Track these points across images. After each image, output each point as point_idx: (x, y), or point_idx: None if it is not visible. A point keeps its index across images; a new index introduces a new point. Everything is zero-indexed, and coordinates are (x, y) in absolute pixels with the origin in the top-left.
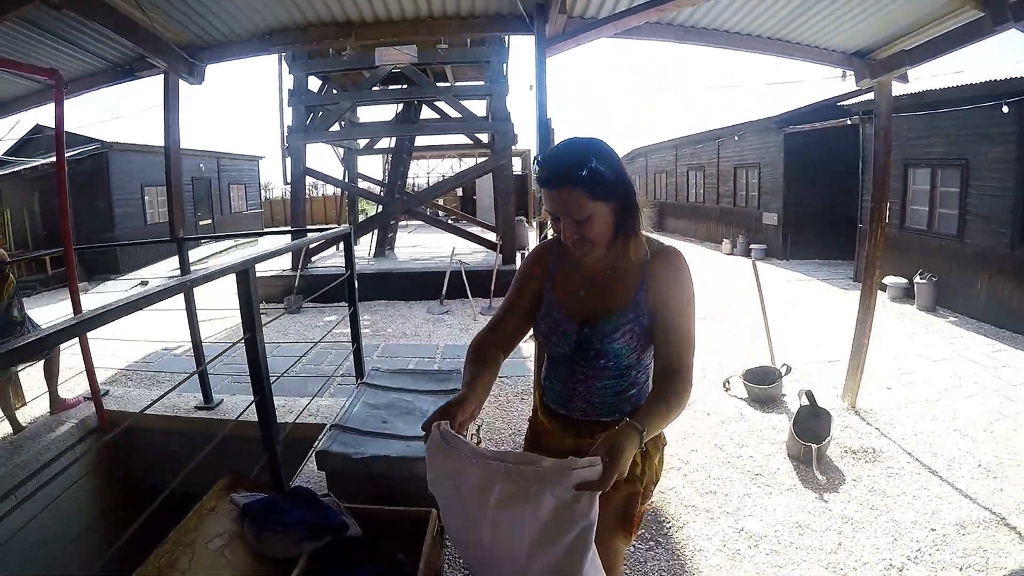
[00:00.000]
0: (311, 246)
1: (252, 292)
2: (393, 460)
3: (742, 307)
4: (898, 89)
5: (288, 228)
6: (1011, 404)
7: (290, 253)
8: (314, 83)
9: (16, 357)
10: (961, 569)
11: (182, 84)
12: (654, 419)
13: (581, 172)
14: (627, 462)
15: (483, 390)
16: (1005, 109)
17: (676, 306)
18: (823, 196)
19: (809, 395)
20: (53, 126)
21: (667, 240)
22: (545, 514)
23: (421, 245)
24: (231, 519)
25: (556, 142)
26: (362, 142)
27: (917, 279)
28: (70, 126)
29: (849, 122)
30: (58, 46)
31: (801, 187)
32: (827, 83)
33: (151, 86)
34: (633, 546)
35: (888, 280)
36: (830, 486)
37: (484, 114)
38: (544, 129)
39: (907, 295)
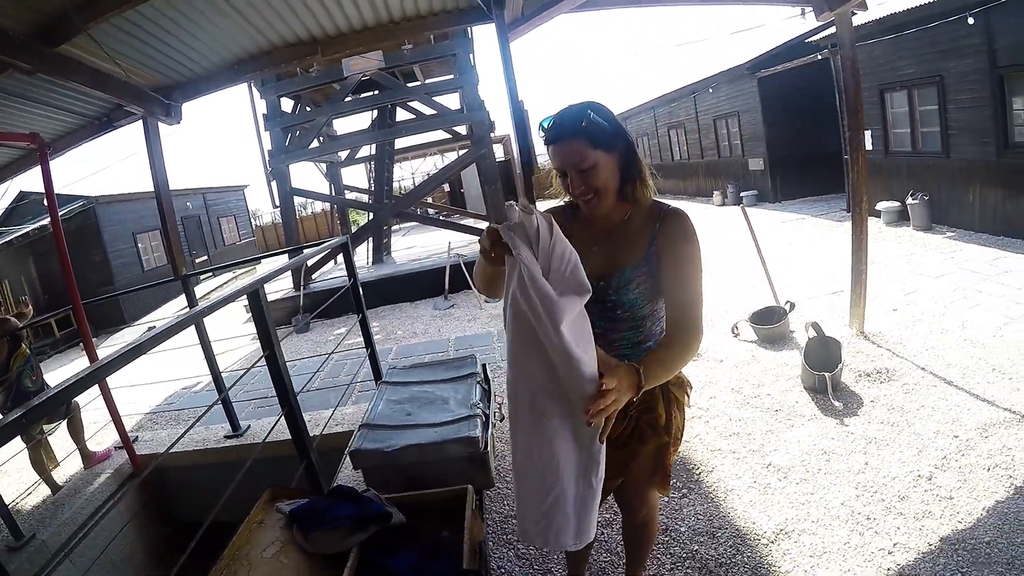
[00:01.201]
0: (310, 263)
1: (265, 311)
2: (423, 447)
3: (740, 255)
4: (863, 16)
5: (284, 249)
6: (1017, 307)
7: (290, 275)
8: (287, 104)
9: (39, 414)
10: (988, 470)
11: (161, 126)
12: (655, 367)
13: (580, 123)
14: (617, 398)
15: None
16: (971, 20)
17: (685, 261)
18: (806, 134)
19: (815, 327)
20: (37, 191)
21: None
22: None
23: (417, 245)
24: (280, 527)
25: (530, 122)
26: (343, 154)
27: (909, 200)
28: (55, 186)
29: (820, 57)
30: (35, 110)
31: (783, 128)
32: (788, 24)
33: (128, 134)
34: (667, 496)
35: (881, 206)
36: (849, 411)
37: (458, 106)
38: (517, 111)
39: (902, 218)
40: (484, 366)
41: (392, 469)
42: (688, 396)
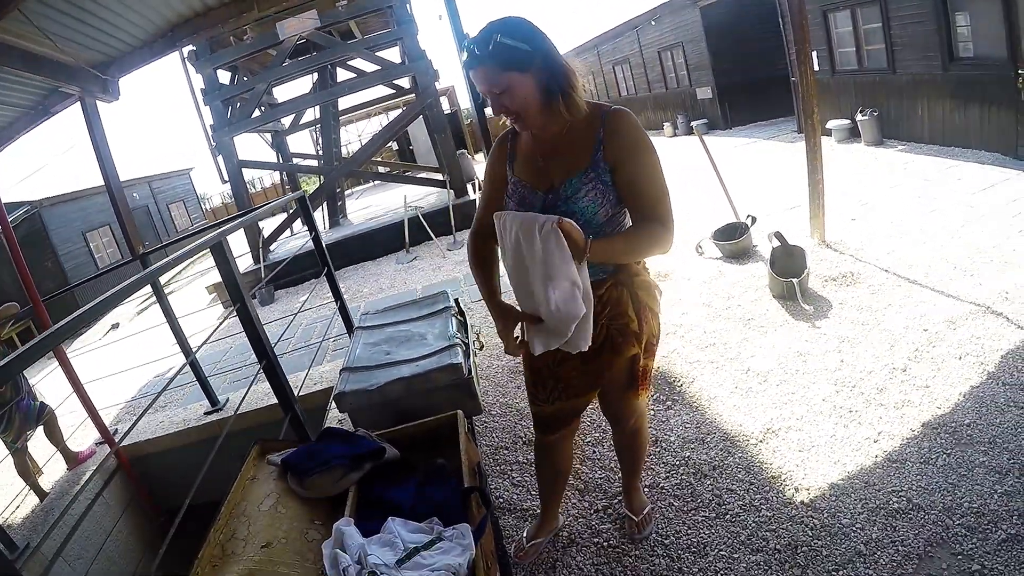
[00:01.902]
0: (267, 234)
1: (231, 263)
2: (408, 380)
3: (697, 180)
4: None
5: (239, 213)
6: (972, 210)
7: (248, 251)
8: (224, 76)
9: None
10: (960, 358)
11: (100, 107)
12: (607, 242)
13: (487, 48)
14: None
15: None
16: None
17: (638, 160)
18: (752, 60)
19: (778, 236)
20: None
21: None
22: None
23: (373, 205)
24: (273, 479)
25: None
26: (287, 121)
27: (859, 117)
28: None
29: None
30: None
31: (728, 56)
32: None
33: (64, 128)
34: (653, 409)
35: (832, 124)
36: (819, 314)
37: (399, 60)
38: (463, 44)
39: (853, 135)
40: (457, 300)
41: (379, 407)
42: (658, 302)
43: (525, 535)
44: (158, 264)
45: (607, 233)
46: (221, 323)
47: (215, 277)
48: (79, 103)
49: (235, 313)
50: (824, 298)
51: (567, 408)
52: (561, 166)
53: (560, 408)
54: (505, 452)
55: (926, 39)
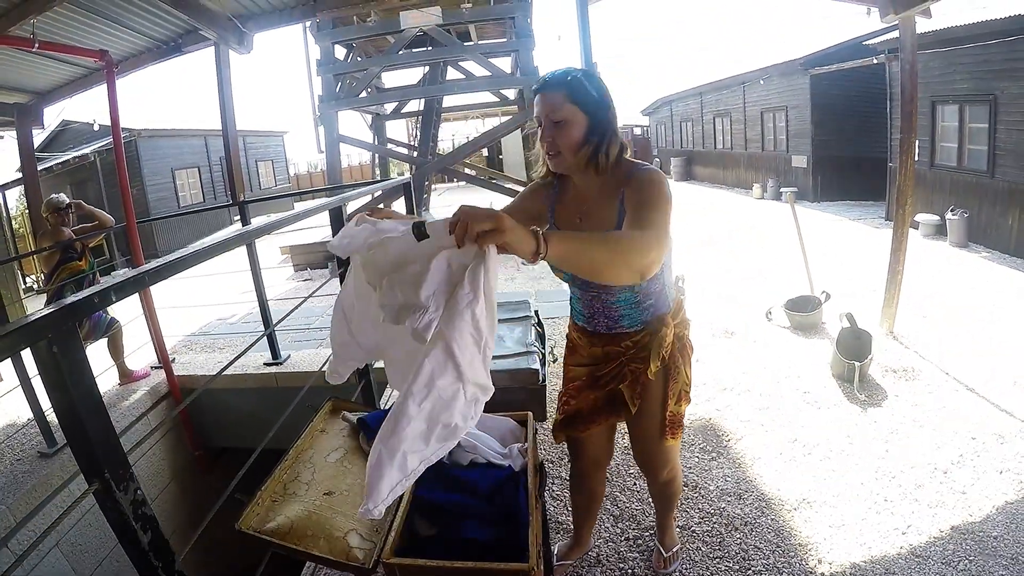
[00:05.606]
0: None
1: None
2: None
3: (776, 245)
4: (922, 26)
5: (333, 185)
6: None
7: (329, 223)
8: (340, 52)
9: (84, 309)
10: (1001, 472)
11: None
12: (569, 237)
13: (565, 78)
14: (483, 222)
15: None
16: None
17: (646, 198)
18: (852, 137)
19: (850, 317)
20: (78, 120)
21: (696, 187)
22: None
23: (455, 204)
24: (344, 435)
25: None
26: (389, 107)
27: (949, 215)
28: (97, 116)
29: (875, 61)
30: (105, 28)
31: (829, 129)
32: (851, 21)
33: (176, 70)
34: (696, 457)
35: (920, 217)
36: (873, 401)
37: (509, 71)
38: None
39: (939, 232)
40: (537, 311)
41: None
42: (687, 353)
43: (556, 551)
44: (264, 224)
45: (645, 288)
46: (322, 286)
47: (288, 240)
48: (213, 48)
49: (317, 280)
50: (881, 387)
51: (579, 436)
52: (596, 224)
53: (574, 435)
54: (551, 466)
55: None
